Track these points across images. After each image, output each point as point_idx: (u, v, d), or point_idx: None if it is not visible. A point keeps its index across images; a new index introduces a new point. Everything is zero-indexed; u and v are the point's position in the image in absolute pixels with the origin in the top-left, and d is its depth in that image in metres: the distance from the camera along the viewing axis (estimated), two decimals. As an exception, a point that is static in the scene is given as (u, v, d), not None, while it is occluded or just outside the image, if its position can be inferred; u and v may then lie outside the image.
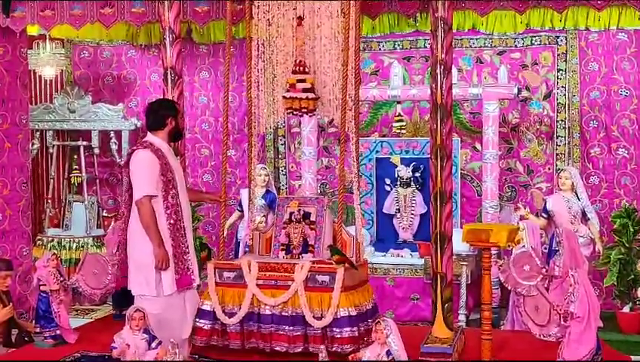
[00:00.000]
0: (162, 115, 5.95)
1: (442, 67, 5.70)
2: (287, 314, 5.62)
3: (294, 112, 6.03)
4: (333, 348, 5.50)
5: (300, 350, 5.59)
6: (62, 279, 6.49)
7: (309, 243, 6.09)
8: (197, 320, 5.86)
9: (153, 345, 5.44)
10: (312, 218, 6.13)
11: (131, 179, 5.81)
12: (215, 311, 5.78)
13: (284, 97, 6.05)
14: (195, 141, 10.47)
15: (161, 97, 6.73)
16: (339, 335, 5.50)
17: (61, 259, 8.61)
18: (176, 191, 5.80)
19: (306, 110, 6.00)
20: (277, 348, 5.63)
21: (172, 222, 5.75)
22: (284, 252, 6.14)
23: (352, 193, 6.14)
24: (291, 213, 6.21)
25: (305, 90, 5.98)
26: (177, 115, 6.00)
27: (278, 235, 6.22)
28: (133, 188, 5.79)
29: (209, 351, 5.88)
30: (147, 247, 5.68)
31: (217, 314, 5.77)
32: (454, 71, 7.19)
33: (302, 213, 6.16)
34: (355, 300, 5.65)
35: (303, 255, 6.04)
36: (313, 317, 5.55)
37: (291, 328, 5.60)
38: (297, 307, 5.60)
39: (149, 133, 6.00)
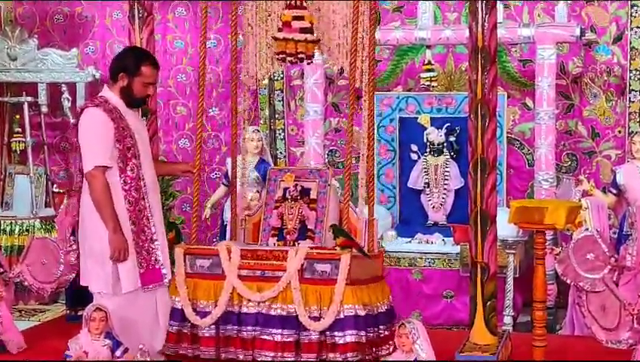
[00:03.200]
0: (117, 66, 5.92)
1: (484, 1, 5.68)
2: (275, 313, 5.61)
3: (288, 58, 5.98)
4: (335, 357, 5.49)
5: (290, 360, 5.55)
6: (1, 271, 6.53)
7: (308, 226, 6.09)
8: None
9: (118, 352, 5.49)
10: (313, 195, 6.13)
11: (80, 146, 5.84)
12: (184, 308, 5.78)
13: (275, 38, 6.00)
14: (169, 96, 10.47)
15: (137, 47, 6.62)
16: (341, 341, 5.48)
17: (0, 246, 8.67)
18: (137, 162, 5.79)
19: (303, 55, 5.95)
20: (260, 359, 5.60)
21: (132, 200, 5.75)
22: (275, 238, 6.14)
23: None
24: (285, 189, 6.20)
25: (303, 30, 5.94)
26: (135, 77, 5.85)
27: (268, 217, 6.21)
28: (82, 157, 5.80)
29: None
30: (102, 232, 5.70)
31: (186, 313, 5.77)
32: (500, 6, 7.17)
33: (299, 188, 6.16)
34: (364, 297, 5.64)
35: (299, 242, 6.03)
36: (309, 317, 5.52)
37: (280, 331, 5.57)
38: (289, 304, 5.59)
39: (105, 85, 6.02)
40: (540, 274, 5.79)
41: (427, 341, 5.25)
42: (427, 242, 8.86)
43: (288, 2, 6.02)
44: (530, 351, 5.80)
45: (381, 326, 5.69)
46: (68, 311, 7.39)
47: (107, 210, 5.67)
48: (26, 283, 6.82)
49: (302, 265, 5.61)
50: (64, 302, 7.72)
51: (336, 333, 5.49)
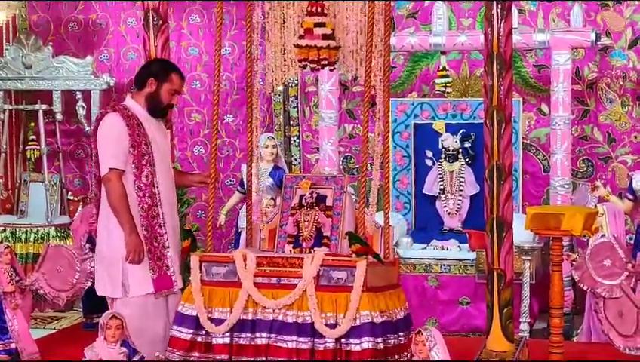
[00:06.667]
0: (146, 72, 6.01)
1: (499, 7, 5.68)
2: (291, 320, 5.58)
3: (311, 65, 6.02)
4: None
5: None
6: (17, 278, 6.55)
7: (324, 234, 6.08)
8: (174, 327, 5.82)
9: (134, 359, 5.50)
10: (328, 202, 6.13)
11: (97, 150, 5.90)
12: (199, 316, 5.76)
13: (297, 46, 6.04)
14: (184, 103, 10.48)
15: (165, 59, 6.66)
16: (357, 348, 5.42)
17: (16, 254, 8.68)
18: (152, 170, 5.85)
19: (326, 62, 5.99)
20: None
21: (145, 207, 5.80)
22: (291, 245, 6.13)
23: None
24: (301, 196, 6.21)
25: (325, 37, 5.97)
26: (164, 82, 5.95)
27: (284, 224, 6.22)
28: (99, 161, 5.87)
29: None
30: (115, 235, 5.76)
31: (201, 320, 5.74)
32: (515, 12, 7.16)
33: (315, 195, 6.17)
34: (380, 304, 5.61)
35: (315, 249, 6.00)
36: (325, 324, 5.49)
37: (295, 338, 5.53)
38: (305, 311, 5.56)
39: (128, 94, 6.08)
40: (556, 280, 5.78)
41: (444, 348, 5.24)
42: (443, 248, 8.84)
43: (309, 9, 6.04)
44: (547, 358, 5.78)
45: (400, 333, 5.67)
46: (84, 319, 7.41)
47: (123, 212, 5.73)
48: (41, 291, 6.82)
49: (318, 272, 5.59)
50: (80, 309, 7.72)
51: (352, 340, 5.44)
